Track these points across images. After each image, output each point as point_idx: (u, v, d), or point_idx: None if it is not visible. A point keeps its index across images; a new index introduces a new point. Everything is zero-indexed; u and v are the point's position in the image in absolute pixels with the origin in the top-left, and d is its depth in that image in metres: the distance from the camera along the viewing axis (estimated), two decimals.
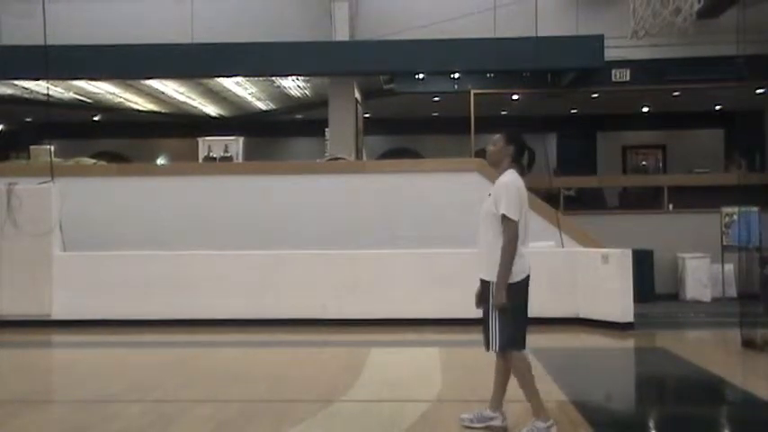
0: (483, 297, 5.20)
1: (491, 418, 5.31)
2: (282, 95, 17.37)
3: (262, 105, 18.60)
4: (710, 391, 7.00)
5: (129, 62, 13.80)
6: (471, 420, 5.34)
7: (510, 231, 5.00)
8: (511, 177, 5.15)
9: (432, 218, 11.17)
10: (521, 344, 5.14)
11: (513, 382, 5.34)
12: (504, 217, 5.02)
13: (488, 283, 5.12)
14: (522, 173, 5.23)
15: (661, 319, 11.05)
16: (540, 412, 5.11)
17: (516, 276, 5.04)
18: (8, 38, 14.06)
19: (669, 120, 19.54)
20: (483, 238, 5.19)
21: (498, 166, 5.25)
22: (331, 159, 13.12)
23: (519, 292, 5.06)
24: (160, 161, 20.64)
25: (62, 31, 12.75)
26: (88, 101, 17.43)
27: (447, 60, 13.92)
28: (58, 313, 10.36)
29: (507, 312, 4.97)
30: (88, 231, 11.01)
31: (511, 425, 5.34)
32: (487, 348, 5.19)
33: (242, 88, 16.56)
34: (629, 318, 9.72)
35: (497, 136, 5.28)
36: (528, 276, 5.14)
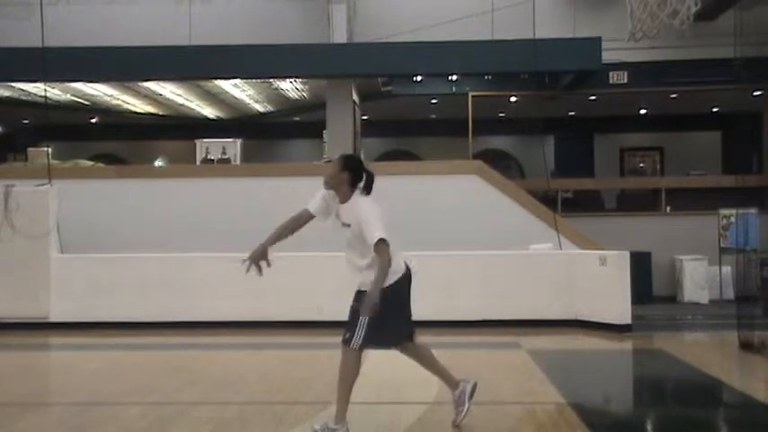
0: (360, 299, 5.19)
1: (462, 391, 5.35)
2: (280, 97, 17.37)
3: (260, 107, 18.58)
4: (708, 393, 7.01)
5: (127, 64, 13.78)
6: (458, 412, 5.37)
7: (384, 254, 4.99)
8: (364, 202, 5.15)
9: (430, 220, 11.17)
10: (374, 344, 5.19)
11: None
12: (378, 243, 4.98)
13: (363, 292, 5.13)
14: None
15: (659, 321, 11.06)
16: (339, 415, 5.16)
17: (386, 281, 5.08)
18: (6, 40, 14.03)
19: (667, 122, 19.57)
20: (354, 253, 5.26)
21: (338, 191, 5.22)
22: (329, 161, 13.12)
23: (387, 294, 5.05)
24: (158, 163, 20.62)
25: (60, 34, 12.73)
26: (86, 103, 17.41)
27: (445, 63, 13.93)
28: (56, 316, 10.35)
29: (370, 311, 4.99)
30: (86, 233, 11.00)
31: (510, 426, 5.34)
32: (343, 341, 5.15)
33: (240, 90, 16.55)
34: (627, 320, 9.73)
35: (334, 160, 5.31)
36: (398, 281, 5.15)
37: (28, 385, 7.44)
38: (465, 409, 5.32)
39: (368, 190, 5.20)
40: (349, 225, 5.16)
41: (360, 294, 5.19)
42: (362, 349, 5.15)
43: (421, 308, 10.27)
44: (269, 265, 5.36)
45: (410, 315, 5.32)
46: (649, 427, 6.17)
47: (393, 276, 5.11)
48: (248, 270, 5.21)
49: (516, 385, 6.81)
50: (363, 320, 5.05)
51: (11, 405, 6.38)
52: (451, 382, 5.41)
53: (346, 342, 5.13)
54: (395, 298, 5.12)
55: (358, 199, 5.16)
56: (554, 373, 7.19)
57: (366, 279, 5.13)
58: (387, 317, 5.04)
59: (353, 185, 5.17)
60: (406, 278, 5.22)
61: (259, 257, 5.36)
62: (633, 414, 6.63)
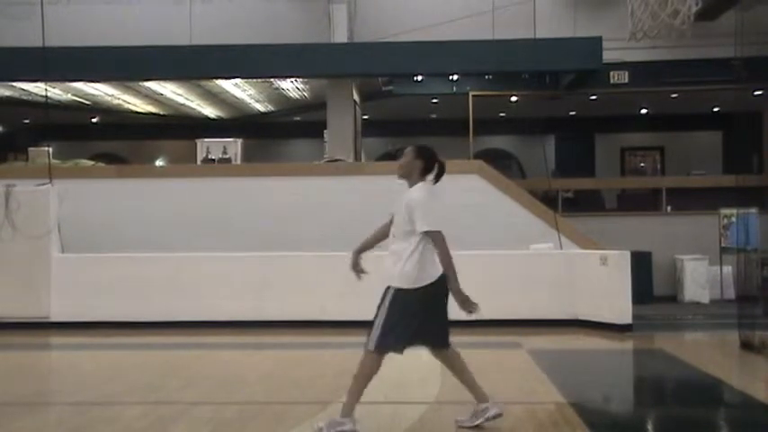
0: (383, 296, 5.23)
1: (483, 411, 5.30)
2: (281, 97, 17.37)
3: (260, 107, 18.59)
4: (708, 393, 7.01)
5: (128, 64, 13.79)
6: (469, 420, 5.33)
7: (442, 243, 5.07)
8: (423, 191, 5.22)
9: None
10: (391, 349, 5.17)
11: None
12: (427, 232, 5.07)
13: (389, 288, 5.17)
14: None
15: (659, 321, 11.06)
16: (347, 410, 5.20)
17: (404, 284, 5.12)
18: (6, 40, 14.04)
19: (667, 122, 19.56)
20: (392, 245, 5.28)
21: (408, 179, 5.32)
22: (329, 161, 13.13)
23: (414, 298, 5.10)
24: (159, 163, 20.63)
25: (60, 33, 12.73)
26: (87, 103, 17.42)
27: (445, 62, 13.93)
28: (57, 315, 10.36)
29: (473, 308, 5.04)
30: (87, 233, 11.01)
31: (510, 426, 5.34)
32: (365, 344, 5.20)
33: (240, 90, 16.56)
34: (628, 319, 9.73)
35: (407, 149, 5.38)
36: (428, 286, 5.14)
37: (28, 385, 7.44)
38: (474, 423, 5.30)
39: (437, 180, 5.34)
40: (401, 208, 5.21)
41: (386, 290, 5.20)
42: (380, 352, 5.14)
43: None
44: (363, 271, 5.54)
45: (439, 322, 5.27)
46: (650, 426, 6.17)
47: (421, 282, 5.12)
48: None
49: (517, 385, 6.81)
50: (379, 322, 5.10)
51: (11, 405, 6.38)
52: (480, 396, 5.34)
53: (366, 344, 5.19)
54: (415, 303, 5.11)
55: (418, 186, 5.24)
56: (554, 373, 7.19)
57: (393, 272, 5.16)
58: (401, 319, 5.07)
59: (424, 175, 5.29)
60: (438, 286, 5.15)
61: (353, 267, 5.56)
62: (634, 414, 6.63)
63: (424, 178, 5.30)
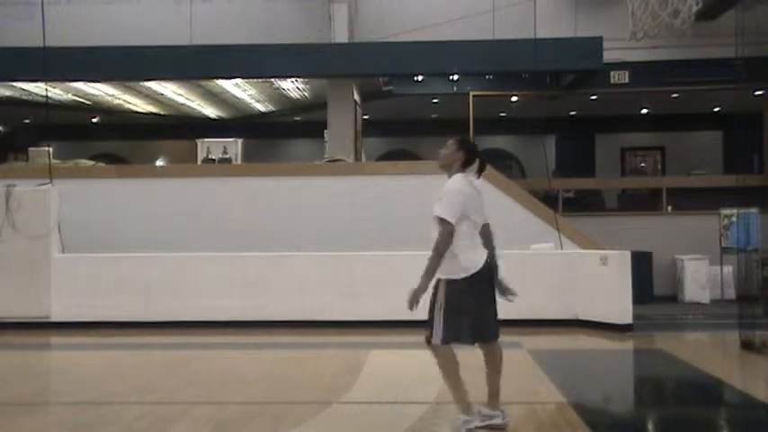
0: (433, 292, 5.23)
1: (491, 417, 5.30)
2: (281, 97, 17.37)
3: (261, 107, 18.59)
4: (709, 393, 7.00)
5: (128, 64, 13.79)
6: (471, 421, 5.33)
7: (443, 232, 5.10)
8: (457, 182, 5.26)
9: (430, 220, 11.16)
10: (452, 339, 5.17)
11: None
12: (437, 217, 5.14)
13: (439, 280, 5.19)
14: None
15: (660, 321, 11.06)
16: (462, 406, 5.19)
17: (453, 274, 5.13)
18: (6, 40, 14.04)
19: (668, 121, 19.56)
20: (431, 238, 5.27)
21: (448, 170, 5.38)
22: (330, 161, 13.13)
23: (457, 287, 5.12)
24: (159, 163, 20.64)
25: (61, 33, 12.72)
26: (87, 103, 17.42)
27: (446, 62, 13.92)
28: (57, 315, 10.36)
29: (416, 301, 5.03)
30: (87, 233, 11.01)
31: (510, 426, 5.34)
32: (427, 342, 5.21)
33: (241, 90, 16.56)
34: (628, 319, 9.73)
35: (450, 141, 5.45)
36: (475, 275, 5.16)
37: (28, 385, 7.44)
38: (475, 424, 5.31)
39: (479, 174, 5.42)
40: (439, 199, 5.25)
41: (437, 283, 5.22)
42: (448, 343, 5.14)
43: (422, 308, 10.27)
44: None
45: (488, 316, 5.28)
46: (650, 426, 6.17)
47: (462, 272, 5.13)
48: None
49: (517, 385, 6.81)
50: (439, 316, 5.10)
51: (11, 405, 6.38)
52: (494, 401, 5.34)
53: (429, 341, 5.17)
54: (463, 295, 5.13)
55: (456, 177, 5.29)
56: (555, 373, 7.18)
57: (443, 265, 5.16)
58: (460, 312, 5.09)
59: (465, 167, 5.35)
60: (480, 277, 5.17)
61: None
62: (634, 414, 6.63)
63: (464, 170, 5.33)
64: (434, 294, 5.22)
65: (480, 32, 13.82)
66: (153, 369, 8.05)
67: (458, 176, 5.31)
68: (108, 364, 8.50)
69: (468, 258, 5.16)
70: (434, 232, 5.19)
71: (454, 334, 5.13)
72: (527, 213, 11.49)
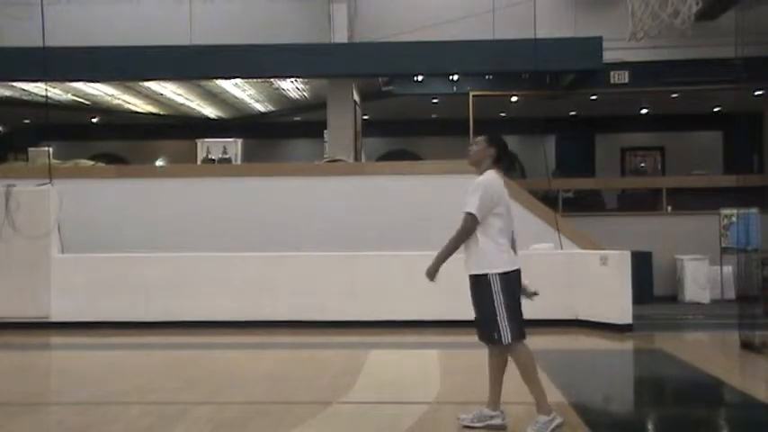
0: (478, 292, 5.20)
1: (491, 417, 5.30)
2: (281, 97, 17.37)
3: (260, 107, 18.58)
4: (709, 393, 7.00)
5: (128, 64, 13.79)
6: (471, 420, 5.33)
7: (465, 224, 5.14)
8: (490, 177, 5.26)
9: (430, 220, 11.16)
10: (523, 334, 5.18)
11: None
12: (464, 212, 5.16)
13: (478, 276, 5.17)
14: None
15: (660, 321, 11.06)
16: (543, 405, 5.14)
17: (501, 267, 5.13)
18: (6, 40, 14.04)
19: (668, 121, 19.55)
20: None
21: (479, 166, 5.36)
22: (330, 161, 13.12)
23: (508, 283, 5.14)
24: (159, 163, 20.63)
25: (60, 33, 12.73)
26: (86, 103, 17.42)
27: (446, 62, 13.92)
28: (57, 315, 10.36)
29: (433, 278, 5.15)
30: (87, 233, 11.01)
31: (511, 425, 5.34)
32: (493, 343, 5.17)
33: (241, 90, 16.56)
34: (628, 319, 9.73)
35: (479, 137, 5.44)
36: (517, 271, 5.21)
37: (28, 385, 7.44)
38: (474, 424, 5.29)
39: (507, 171, 5.39)
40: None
41: (474, 280, 5.22)
42: (518, 339, 5.14)
43: (422, 308, 10.31)
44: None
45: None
46: (650, 426, 6.16)
47: (510, 265, 5.18)
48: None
49: (517, 385, 6.78)
50: (501, 313, 5.07)
51: (11, 405, 6.38)
52: (494, 401, 5.35)
53: (496, 341, 5.13)
54: (515, 286, 5.18)
55: (486, 174, 5.27)
56: (555, 373, 7.17)
57: (469, 261, 5.20)
58: (518, 303, 5.14)
59: (496, 163, 5.34)
60: (519, 273, 5.24)
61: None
62: (634, 414, 6.63)
63: (495, 167, 5.33)
64: (481, 294, 5.16)
65: (480, 32, 13.82)
66: (153, 369, 8.05)
67: (491, 172, 5.29)
68: (108, 364, 8.50)
69: (509, 252, 5.21)
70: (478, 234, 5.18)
71: (521, 327, 5.14)
72: (527, 213, 11.47)
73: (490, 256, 5.14)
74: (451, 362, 8.13)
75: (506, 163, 5.41)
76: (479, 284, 5.17)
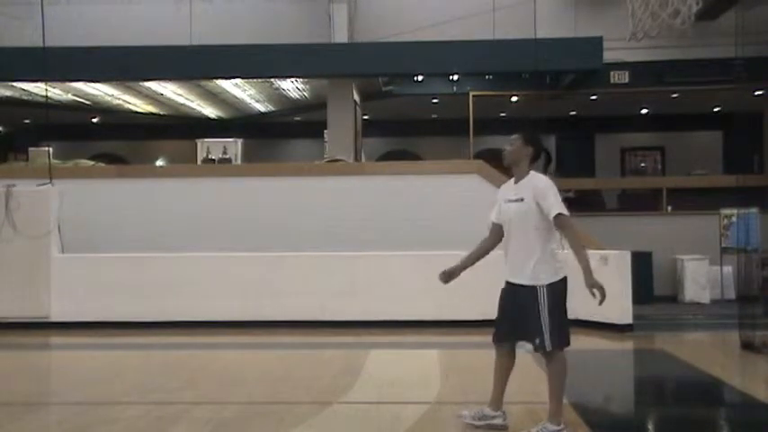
0: (527, 298, 5.09)
1: (492, 417, 5.30)
2: (281, 97, 17.37)
3: (260, 107, 18.59)
4: (709, 393, 7.01)
5: (128, 64, 13.79)
6: (472, 417, 5.33)
7: (573, 226, 5.11)
8: (544, 178, 5.19)
9: (430, 220, 11.17)
10: (566, 342, 5.16)
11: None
12: (559, 216, 5.04)
13: (528, 287, 5.07)
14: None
15: (660, 321, 11.05)
16: (557, 416, 5.11)
17: (560, 274, 5.12)
18: (6, 40, 14.04)
19: (668, 121, 19.55)
20: (516, 242, 5.17)
21: (517, 166, 5.25)
22: (330, 161, 13.12)
23: (561, 288, 5.14)
24: (159, 163, 20.63)
25: (60, 33, 12.73)
26: (87, 103, 17.42)
27: (446, 62, 13.92)
28: (57, 315, 10.36)
29: (601, 292, 5.10)
30: (87, 233, 11.01)
31: (510, 426, 5.33)
32: (536, 349, 5.12)
33: (241, 90, 16.56)
34: (628, 319, 9.72)
35: (515, 136, 5.31)
36: (566, 278, 5.18)
37: (28, 385, 7.44)
38: (475, 423, 5.29)
39: (545, 170, 5.29)
40: (521, 199, 5.11)
41: (511, 287, 5.16)
42: (563, 347, 5.11)
43: (422, 308, 10.30)
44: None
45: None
46: (650, 426, 6.17)
47: (561, 272, 5.13)
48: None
49: (517, 385, 6.78)
50: (546, 321, 5.02)
51: (11, 405, 6.37)
52: (497, 403, 5.32)
53: (537, 347, 5.07)
54: (563, 295, 5.15)
55: (537, 174, 5.18)
56: None
57: (515, 267, 5.13)
58: (564, 312, 5.10)
59: (534, 161, 5.22)
60: (566, 282, 5.20)
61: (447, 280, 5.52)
62: (634, 414, 6.62)
63: (533, 166, 5.22)
64: (530, 301, 5.06)
65: (480, 32, 13.82)
66: (152, 369, 8.05)
67: (534, 174, 5.18)
68: (108, 364, 8.49)
69: (560, 258, 5.17)
70: (526, 236, 5.09)
71: (567, 336, 5.11)
72: None
73: (554, 265, 5.11)
74: (451, 361, 8.12)
75: (543, 162, 5.27)
76: (531, 292, 5.08)
